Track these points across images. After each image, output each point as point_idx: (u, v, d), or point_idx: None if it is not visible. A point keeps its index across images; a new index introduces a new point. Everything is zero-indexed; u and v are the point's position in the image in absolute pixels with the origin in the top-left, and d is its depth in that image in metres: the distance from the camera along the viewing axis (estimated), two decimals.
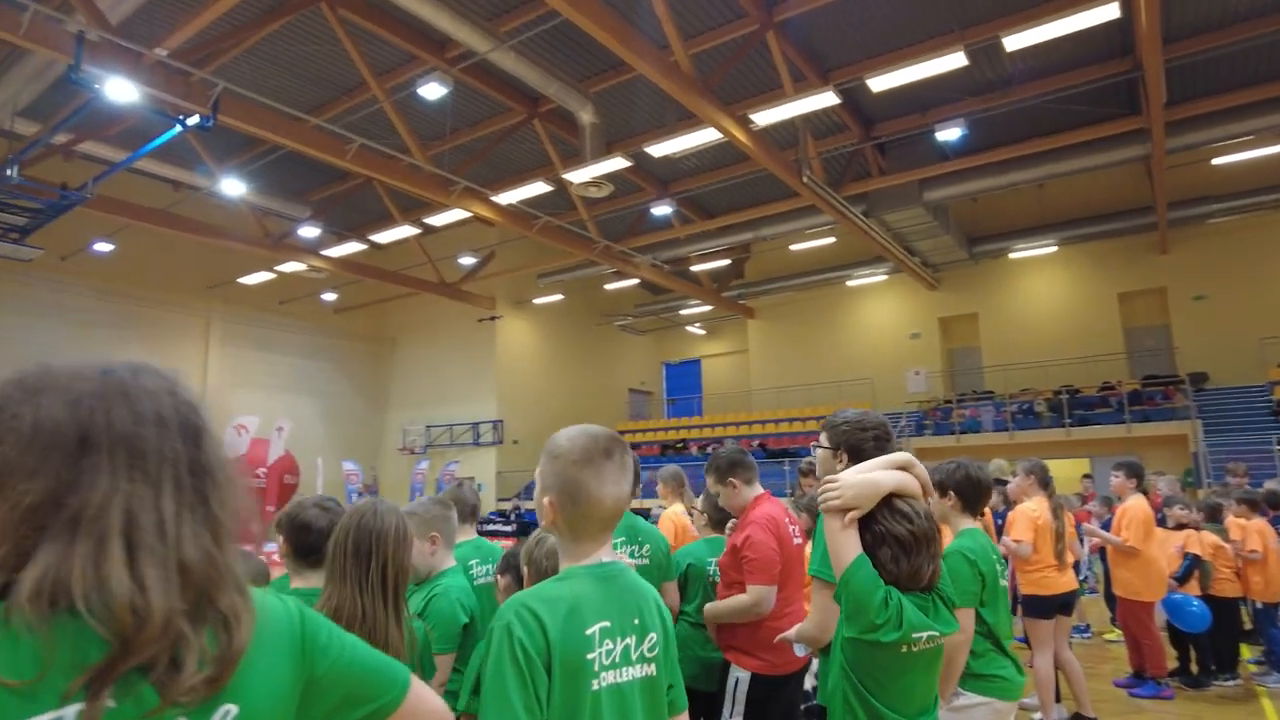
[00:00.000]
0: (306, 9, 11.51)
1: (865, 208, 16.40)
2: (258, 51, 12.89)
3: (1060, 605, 5.20)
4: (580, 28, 9.64)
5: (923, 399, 20.94)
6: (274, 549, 2.41)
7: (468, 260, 20.67)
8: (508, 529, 16.25)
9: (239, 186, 14.82)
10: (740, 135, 11.99)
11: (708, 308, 24.51)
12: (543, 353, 23.77)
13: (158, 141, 11.19)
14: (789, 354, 24.00)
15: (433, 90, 12.86)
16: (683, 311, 25.98)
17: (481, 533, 4.14)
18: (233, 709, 0.80)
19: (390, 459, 23.70)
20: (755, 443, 20.64)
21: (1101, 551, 8.12)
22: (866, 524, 1.78)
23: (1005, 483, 6.75)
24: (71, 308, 17.49)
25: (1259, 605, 6.40)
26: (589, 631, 1.37)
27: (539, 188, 13.94)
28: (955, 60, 9.94)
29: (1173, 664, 6.36)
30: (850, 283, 22.38)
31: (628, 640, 1.43)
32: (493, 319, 22.11)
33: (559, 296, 22.71)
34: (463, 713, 2.35)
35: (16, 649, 0.70)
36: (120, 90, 9.52)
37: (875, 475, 1.83)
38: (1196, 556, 6.20)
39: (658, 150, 12.18)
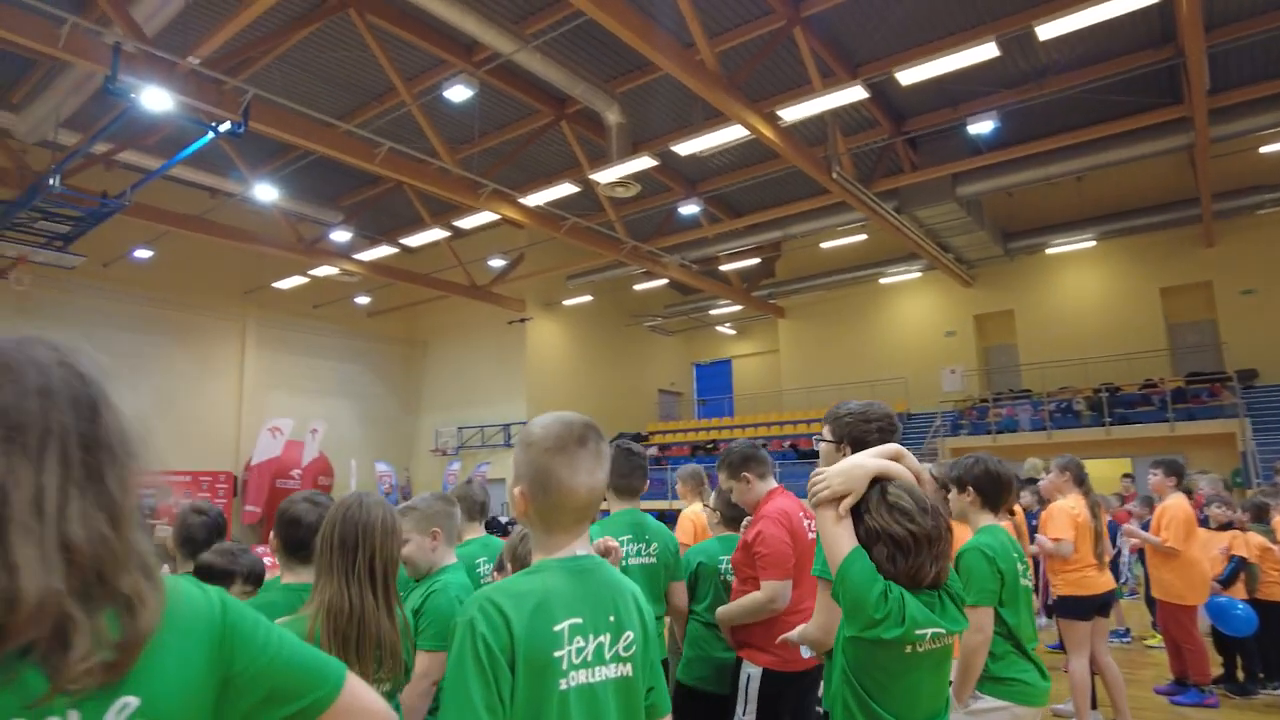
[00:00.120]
0: (335, 16, 11.67)
1: (897, 204, 16.16)
2: (288, 59, 13.10)
3: (1099, 606, 5.02)
4: (606, 28, 9.65)
5: (958, 398, 20.55)
6: (264, 549, 2.41)
7: (497, 263, 20.79)
8: None
9: (272, 192, 15.09)
10: (768, 132, 11.87)
11: (738, 307, 24.34)
12: (572, 354, 23.81)
13: (191, 149, 11.42)
14: (820, 353, 23.74)
15: (459, 92, 12.95)
16: (712, 311, 25.85)
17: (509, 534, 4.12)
18: (133, 702, 0.75)
19: (423, 461, 23.93)
20: (786, 443, 20.45)
21: (1141, 553, 7.86)
22: (860, 520, 1.70)
23: (1037, 481, 6.57)
24: (112, 313, 17.93)
25: None
26: (558, 628, 1.31)
27: (566, 189, 13.96)
28: (987, 51, 9.74)
29: (1217, 670, 6.12)
30: (883, 280, 22.08)
31: (601, 638, 1.36)
32: (523, 321, 22.21)
33: (588, 298, 22.73)
34: None
35: None
36: (155, 99, 9.73)
37: (859, 458, 1.75)
38: (1242, 558, 5.96)
39: (684, 149, 12.13)
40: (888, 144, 15.38)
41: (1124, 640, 7.93)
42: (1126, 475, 11.27)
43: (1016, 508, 6.19)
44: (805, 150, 13.18)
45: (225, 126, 10.36)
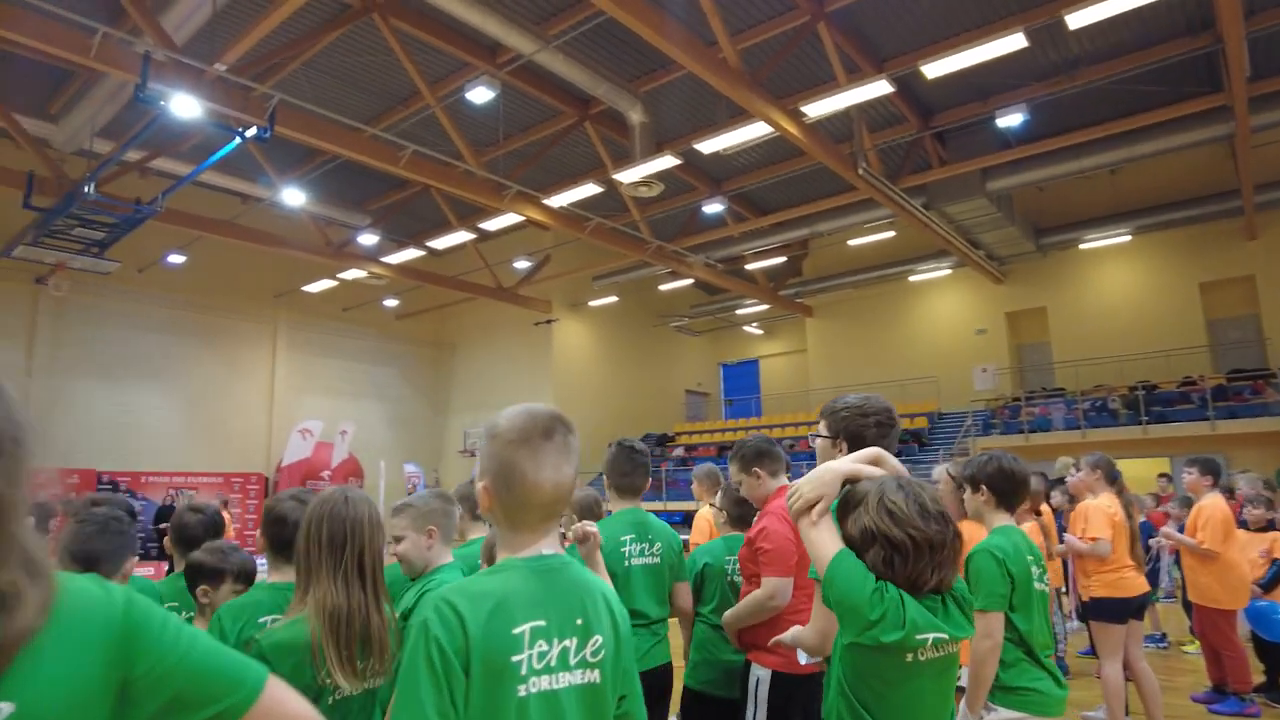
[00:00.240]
0: (359, 20, 11.79)
1: (925, 200, 15.90)
2: (314, 64, 13.26)
3: (1135, 609, 4.86)
4: (627, 27, 9.63)
5: (990, 397, 20.17)
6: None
7: (523, 264, 20.87)
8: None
9: (300, 196, 15.30)
10: (792, 128, 11.75)
11: (764, 307, 24.17)
12: (599, 355, 23.82)
13: (219, 154, 11.61)
14: (849, 353, 23.46)
15: (482, 94, 13.00)
16: (739, 311, 25.68)
17: None
18: (5, 708, 0.71)
19: (452, 462, 24.08)
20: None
21: (1177, 555, 7.61)
22: (856, 520, 1.61)
23: (1063, 481, 6.39)
24: (146, 317, 18.32)
25: None
26: (517, 631, 1.24)
27: (590, 189, 13.97)
28: (1015, 42, 9.55)
29: (1259, 678, 5.89)
30: (912, 278, 21.75)
31: (566, 642, 1.30)
32: (549, 322, 22.27)
33: (614, 298, 22.73)
34: None
35: None
36: (184, 106, 9.90)
37: (832, 463, 1.68)
38: None
39: (708, 147, 12.05)
40: (915, 139, 15.15)
41: (1160, 645, 7.68)
42: (1163, 475, 10.93)
43: (1044, 507, 6.04)
44: (831, 147, 13.02)
45: (251, 132, 10.52)
